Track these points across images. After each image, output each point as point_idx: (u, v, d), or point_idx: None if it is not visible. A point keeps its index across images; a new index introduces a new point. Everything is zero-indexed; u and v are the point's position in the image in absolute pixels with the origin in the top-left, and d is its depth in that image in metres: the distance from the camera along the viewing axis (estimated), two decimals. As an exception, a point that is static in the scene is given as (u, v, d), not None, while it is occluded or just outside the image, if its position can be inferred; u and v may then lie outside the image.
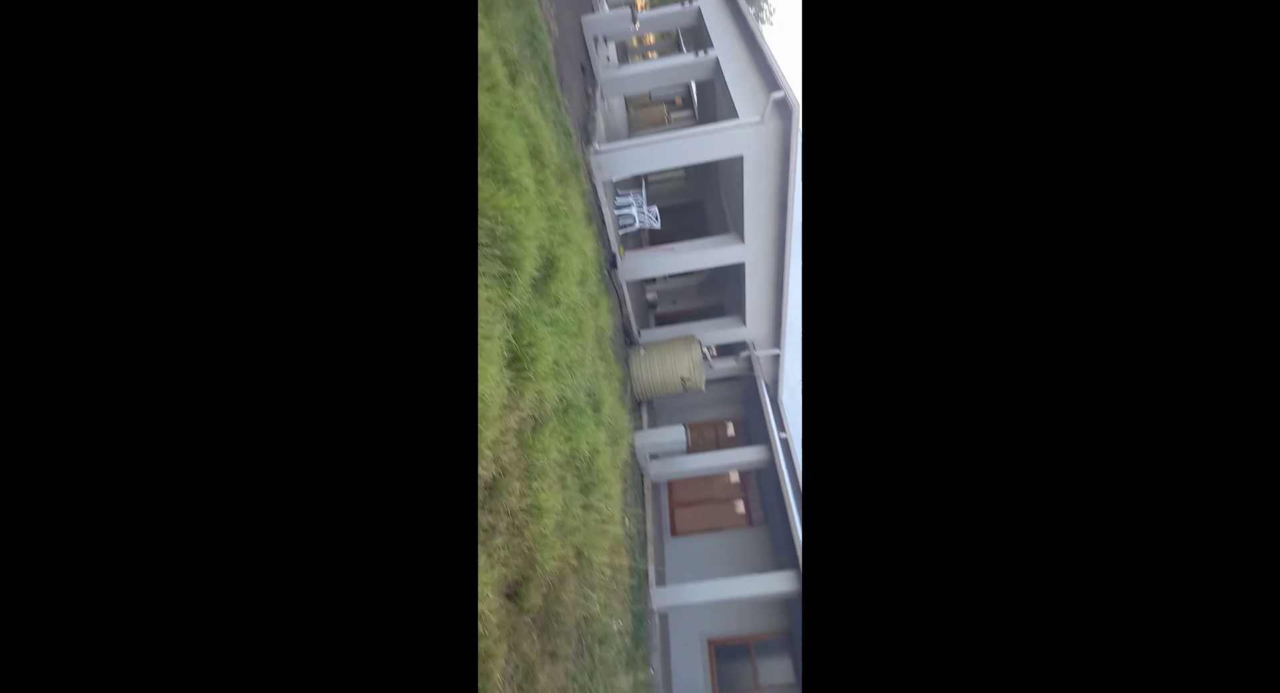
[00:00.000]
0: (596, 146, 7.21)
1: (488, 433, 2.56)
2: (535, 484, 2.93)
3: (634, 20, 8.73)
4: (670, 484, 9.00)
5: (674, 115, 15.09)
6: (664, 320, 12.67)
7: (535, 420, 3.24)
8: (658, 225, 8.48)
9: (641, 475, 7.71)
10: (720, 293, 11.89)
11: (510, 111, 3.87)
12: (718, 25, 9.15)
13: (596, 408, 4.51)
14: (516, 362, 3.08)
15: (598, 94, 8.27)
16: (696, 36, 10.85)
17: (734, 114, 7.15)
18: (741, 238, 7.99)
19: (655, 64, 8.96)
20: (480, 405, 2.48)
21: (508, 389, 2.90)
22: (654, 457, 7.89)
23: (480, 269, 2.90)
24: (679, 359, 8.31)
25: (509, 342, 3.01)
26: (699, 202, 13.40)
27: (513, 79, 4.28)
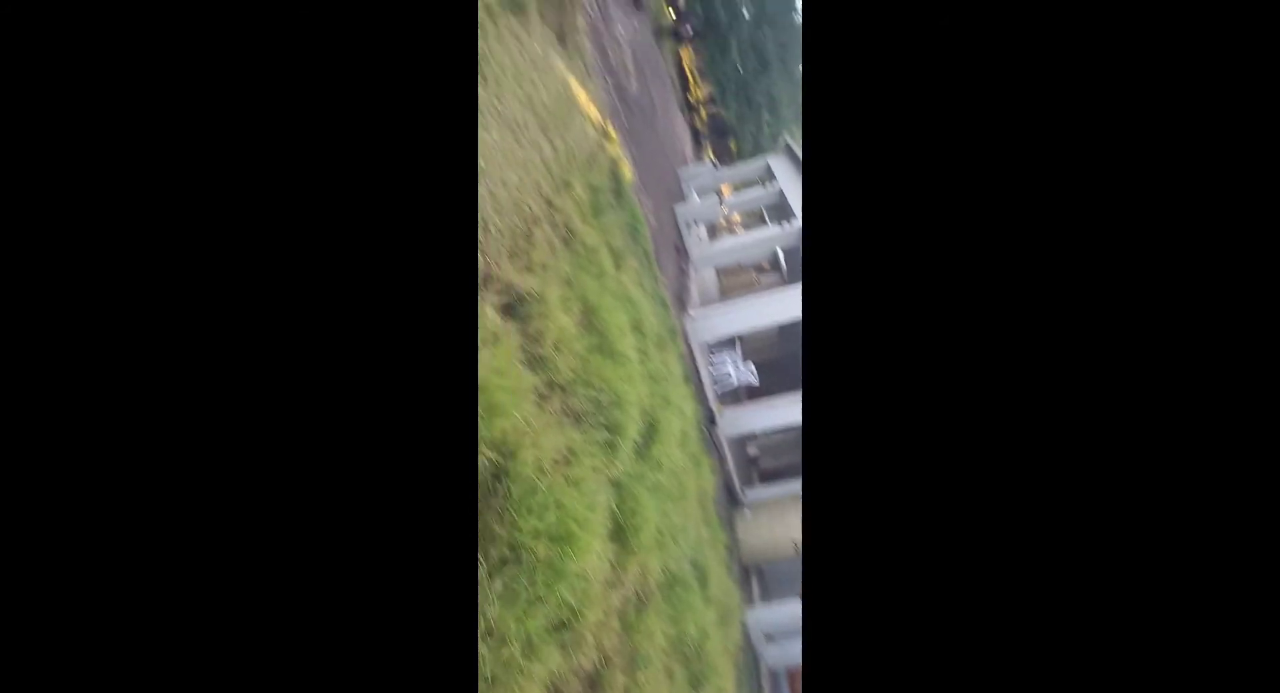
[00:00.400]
0: (691, 313, 7.66)
1: (590, 615, 2.42)
2: (640, 675, 2.65)
3: (721, 204, 9.77)
4: (790, 673, 7.77)
5: (762, 278, 15.89)
6: (768, 477, 12.03)
7: (639, 598, 3.04)
8: (755, 381, 8.51)
9: (756, 660, 6.76)
10: (826, 448, 11.23)
11: (615, 293, 4.28)
12: (798, 198, 9.98)
13: (703, 581, 4.18)
14: (620, 533, 3.00)
15: (690, 268, 9.01)
16: (780, 210, 11.84)
17: (822, 276, 7.41)
18: (843, 391, 7.75)
19: (742, 239, 9.76)
20: (583, 584, 2.39)
21: (611, 564, 2.79)
22: (770, 638, 6.97)
23: (585, 437, 2.99)
24: (788, 519, 7.70)
25: (612, 511, 2.97)
26: (795, 353, 13.43)
27: (617, 265, 4.79)
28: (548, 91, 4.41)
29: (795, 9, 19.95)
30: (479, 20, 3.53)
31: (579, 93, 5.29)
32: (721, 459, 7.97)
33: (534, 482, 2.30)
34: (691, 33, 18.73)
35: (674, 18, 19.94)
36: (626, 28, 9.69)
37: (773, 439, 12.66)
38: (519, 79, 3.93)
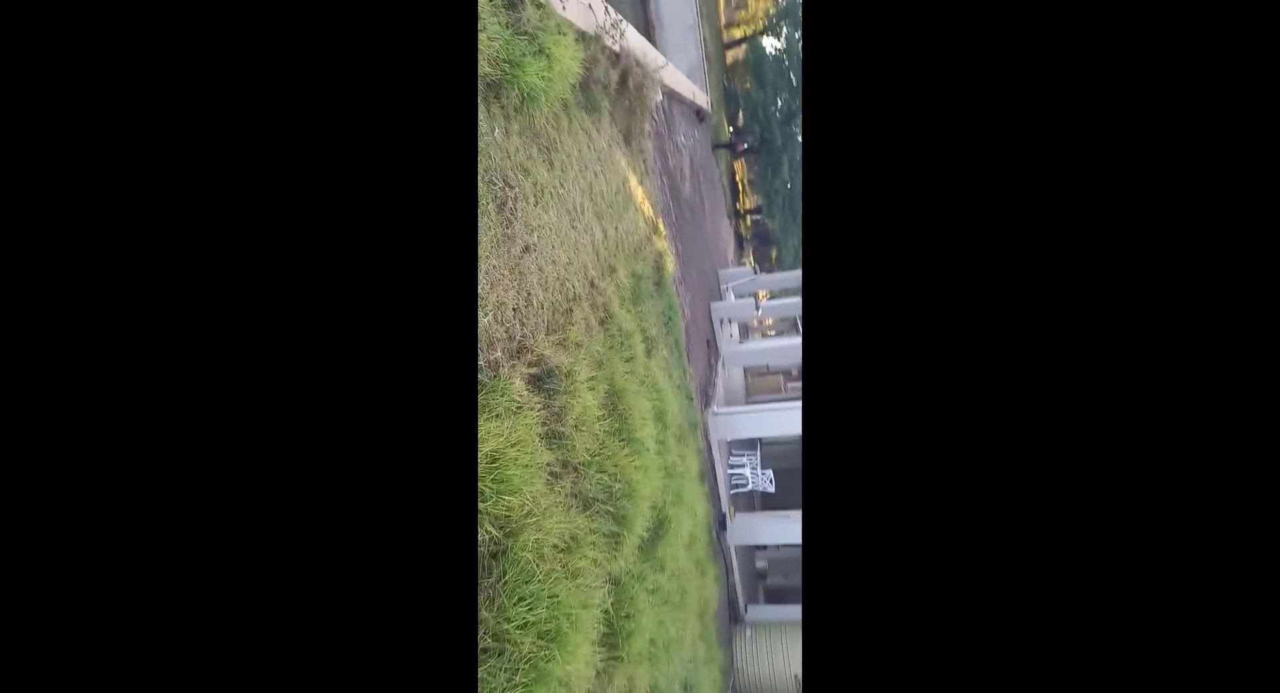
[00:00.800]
0: (715, 409, 7.55)
1: (565, 732, 2.17)
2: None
3: (757, 308, 9.92)
4: None
5: (789, 385, 15.76)
6: (775, 596, 11.21)
7: (620, 718, 2.73)
8: (772, 489, 8.17)
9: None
10: (839, 573, 10.52)
11: (643, 380, 4.25)
12: (834, 314, 10.10)
13: (692, 707, 3.77)
14: (611, 637, 2.76)
15: (719, 364, 9.01)
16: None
17: (852, 390, 7.30)
18: (863, 514, 7.36)
19: (774, 342, 9.80)
20: (563, 691, 2.17)
21: (597, 671, 2.54)
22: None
23: (591, 525, 2.84)
24: (790, 648, 7.04)
25: (606, 612, 2.75)
26: (814, 469, 12.95)
27: (649, 352, 4.81)
28: (608, 183, 4.67)
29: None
30: (557, 115, 3.84)
31: (636, 188, 5.60)
32: (728, 569, 7.49)
33: (531, 568, 2.16)
34: (746, 149, 20.10)
35: (732, 134, 21.49)
36: (687, 137, 10.43)
37: (782, 554, 11.94)
38: (583, 169, 4.18)
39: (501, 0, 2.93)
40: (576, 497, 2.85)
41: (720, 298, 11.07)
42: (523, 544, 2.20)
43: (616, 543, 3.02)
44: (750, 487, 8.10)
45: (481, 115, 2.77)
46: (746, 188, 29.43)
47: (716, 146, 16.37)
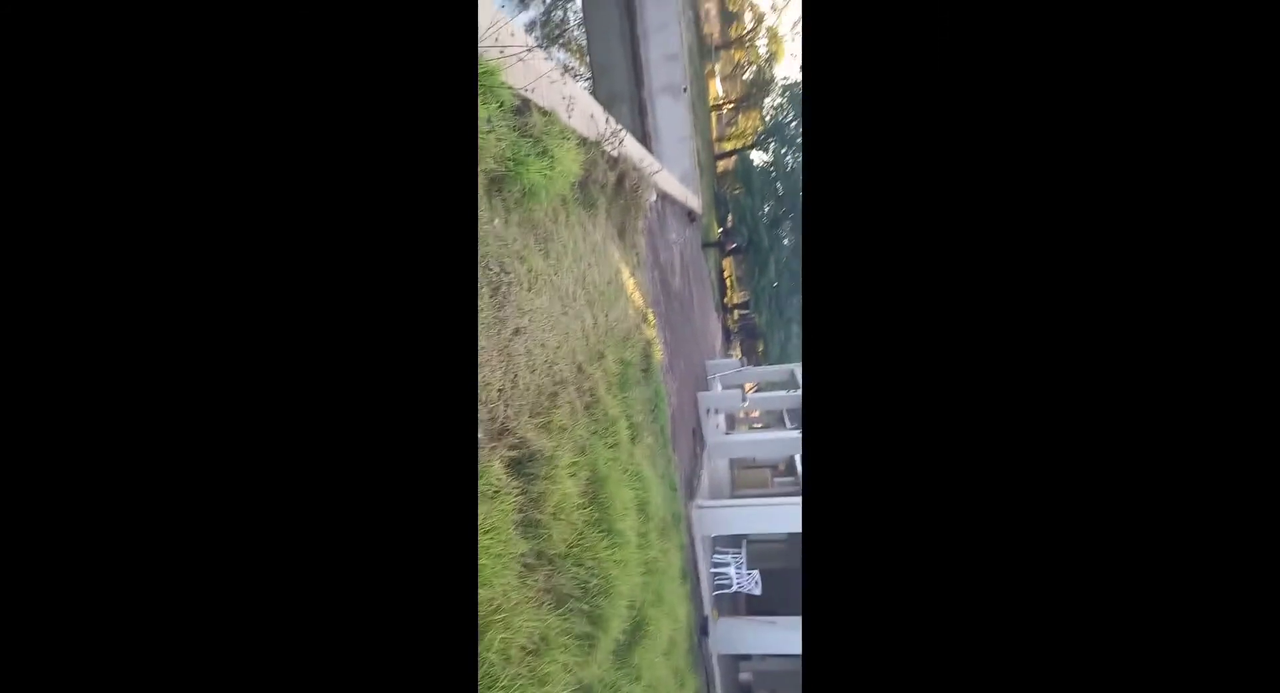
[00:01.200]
0: (699, 501, 7.32)
1: None
2: None
3: (744, 400, 9.95)
4: None
5: (777, 480, 15.44)
6: (759, 717, 10.25)
7: None
8: (758, 591, 7.74)
9: None
10: (830, 690, 9.73)
11: (626, 467, 4.15)
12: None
13: None
14: (577, 759, 2.48)
15: (705, 455, 8.86)
16: (800, 417, 11.95)
17: (839, 487, 7.16)
18: (854, 623, 6.95)
19: (761, 435, 9.74)
20: None
21: (558, 802, 2.26)
22: None
23: (563, 627, 2.65)
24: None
25: (575, 727, 2.49)
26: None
27: (633, 440, 4.74)
28: (600, 274, 4.84)
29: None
30: (556, 210, 4.05)
31: (628, 279, 5.80)
32: (709, 681, 6.90)
33: (496, 672, 1.98)
34: (735, 248, 21.20)
35: (721, 234, 22.71)
36: (679, 235, 10.98)
37: (769, 666, 11.07)
38: (577, 259, 4.35)
39: (510, 106, 3.19)
40: (550, 592, 2.67)
41: (707, 388, 11.11)
42: (488, 644, 2.03)
43: (590, 646, 2.79)
44: (735, 588, 7.67)
45: (483, 206, 2.90)
46: (734, 284, 30.59)
47: (706, 245, 17.21)
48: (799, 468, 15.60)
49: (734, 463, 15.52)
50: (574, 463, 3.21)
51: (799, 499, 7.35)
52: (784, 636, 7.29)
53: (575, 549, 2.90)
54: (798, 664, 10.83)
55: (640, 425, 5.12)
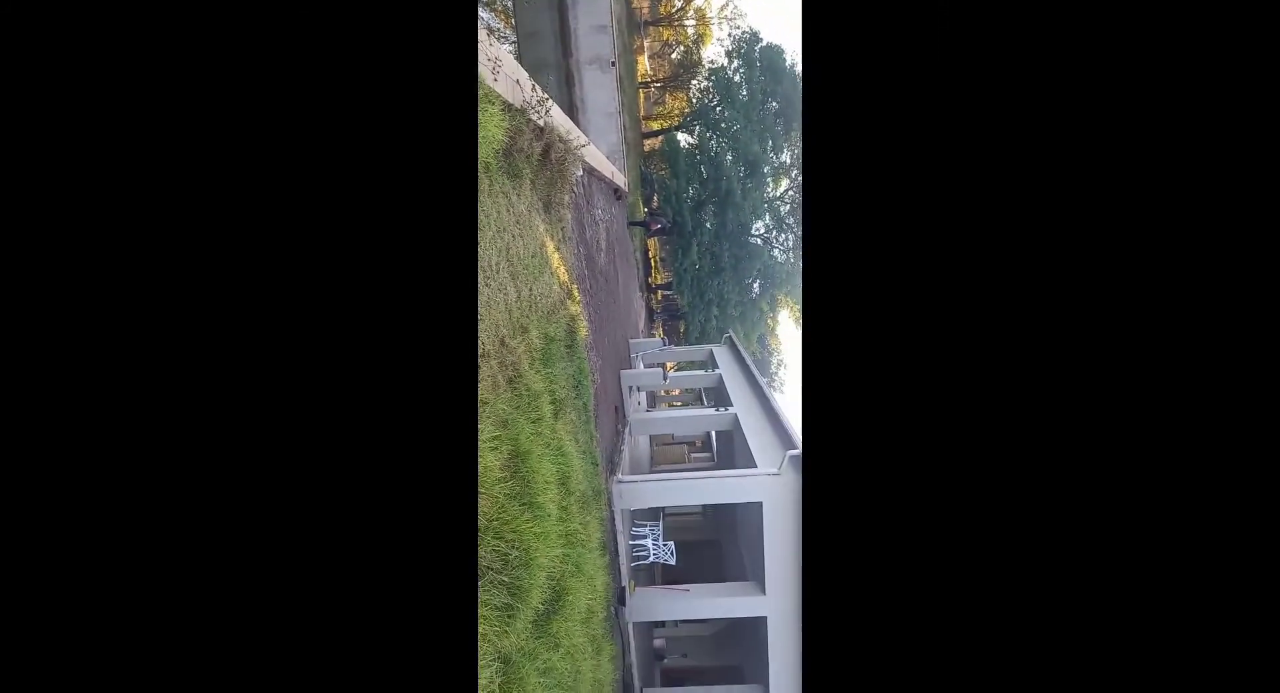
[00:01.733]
0: (620, 476, 7.45)
1: None
2: None
3: (665, 379, 10.17)
4: None
5: (694, 456, 15.98)
6: (672, 678, 10.72)
7: None
8: (673, 561, 8.03)
9: None
10: (739, 650, 10.35)
11: (548, 442, 4.14)
12: (736, 388, 10.50)
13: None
14: (496, 725, 2.49)
15: (626, 431, 9.00)
16: (718, 395, 12.37)
17: (752, 463, 7.53)
18: (763, 589, 7.40)
19: (681, 413, 9.99)
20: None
21: (477, 766, 2.26)
22: None
23: (483, 596, 2.64)
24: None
25: (493, 694, 2.50)
26: (716, 540, 12.99)
27: (556, 415, 4.73)
28: (525, 246, 4.73)
29: (751, 234, 23.25)
30: (479, 177, 3.90)
31: (553, 254, 5.72)
32: (625, 648, 7.12)
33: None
34: (659, 229, 21.32)
35: (646, 214, 22.77)
36: (605, 212, 10.91)
37: (681, 631, 11.58)
38: (501, 230, 4.22)
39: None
40: (469, 565, 2.64)
41: (630, 366, 11.24)
42: (404, 617, 1.98)
43: (509, 616, 2.80)
44: (651, 558, 7.92)
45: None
46: (658, 265, 30.83)
47: (631, 224, 17.20)
48: (714, 444, 16.20)
49: (654, 439, 15.87)
50: (495, 437, 3.16)
51: (713, 473, 7.65)
52: (696, 603, 7.63)
53: (495, 523, 2.88)
54: (706, 628, 11.40)
55: (563, 401, 5.11)
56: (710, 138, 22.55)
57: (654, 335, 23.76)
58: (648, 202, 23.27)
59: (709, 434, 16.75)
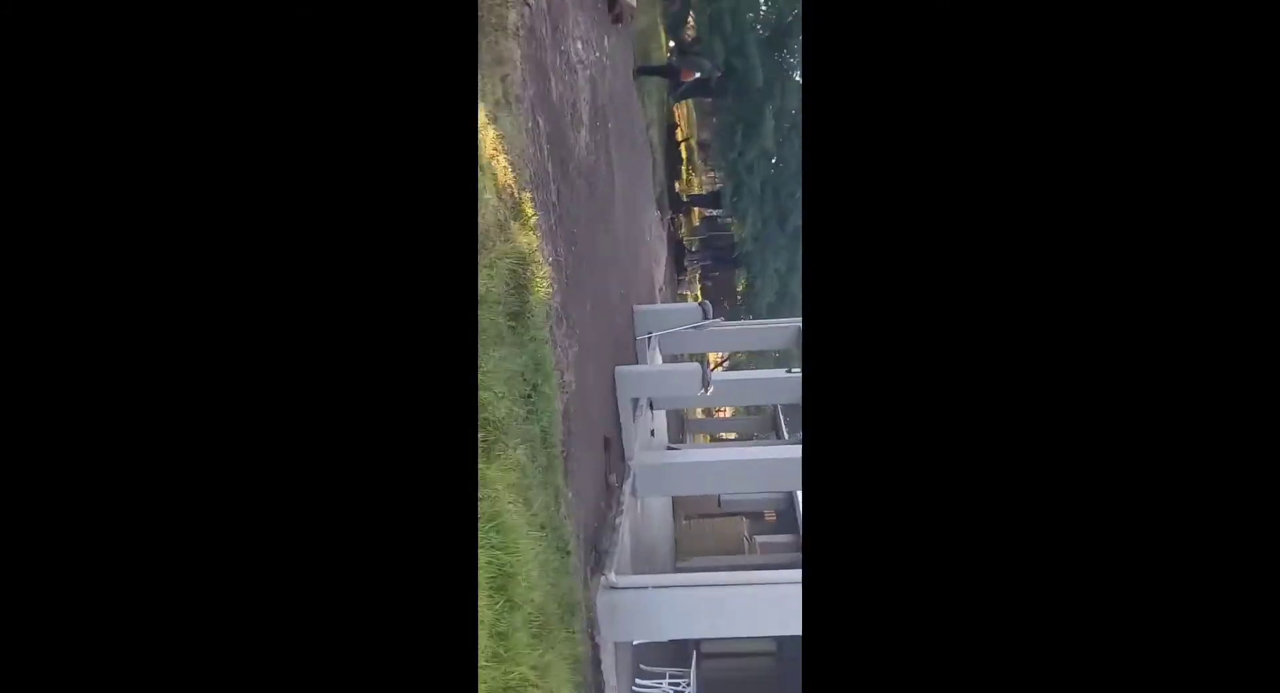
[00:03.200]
0: (612, 577, 7.51)
1: None
2: None
3: (705, 384, 10.16)
4: None
5: (761, 538, 16.09)
6: None
7: None
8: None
9: None
10: None
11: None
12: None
13: None
14: None
15: (627, 486, 9.05)
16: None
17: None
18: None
19: (735, 453, 10.00)
20: None
21: None
22: None
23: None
24: None
25: None
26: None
27: (489, 452, 4.76)
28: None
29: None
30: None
31: (486, 130, 5.72)
32: None
33: None
34: (697, 81, 20.97)
35: (672, 51, 22.54)
36: (590, 46, 10.89)
37: None
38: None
39: None
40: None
41: (635, 359, 11.26)
42: None
43: None
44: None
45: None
46: (694, 156, 30.54)
47: (643, 71, 17.16)
48: (799, 515, 16.11)
49: (679, 506, 15.94)
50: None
51: (798, 581, 7.65)
52: None
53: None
54: None
55: (503, 424, 5.15)
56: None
57: (684, 296, 23.73)
58: (676, 29, 23.16)
59: (791, 496, 16.83)
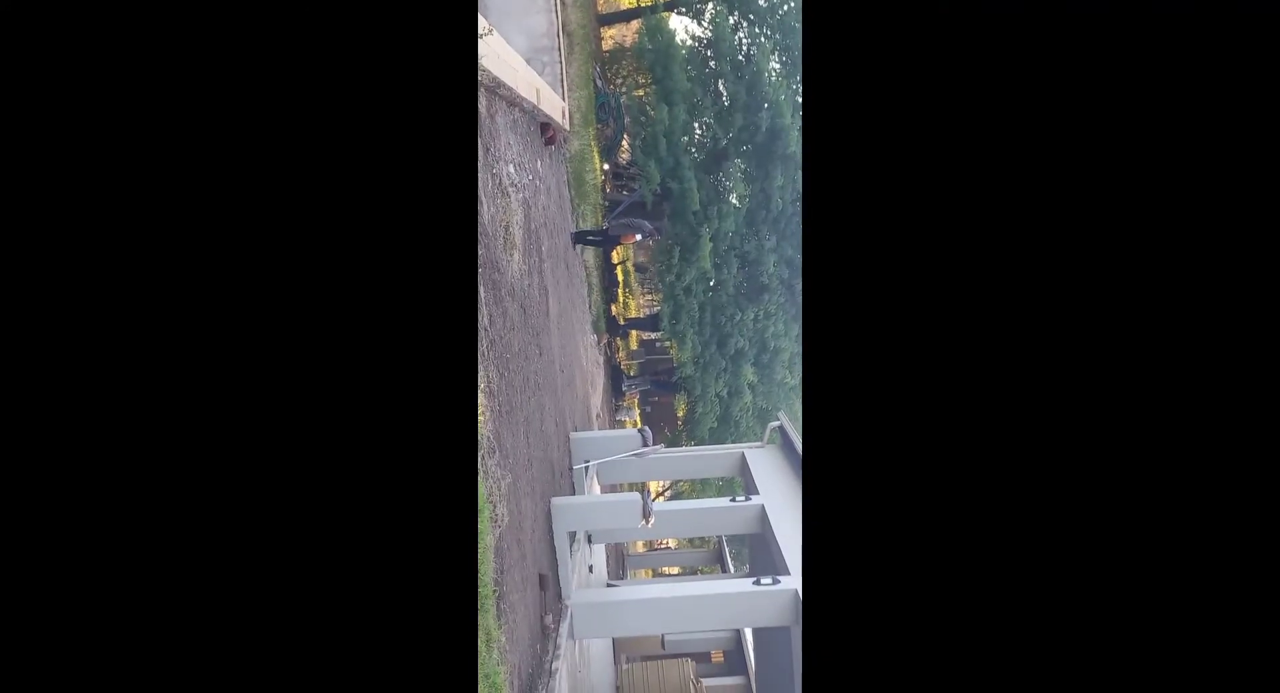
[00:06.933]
0: (550, 730, 7.27)
1: None
2: None
3: (646, 514, 10.08)
4: None
5: (709, 683, 15.74)
6: None
7: None
8: None
9: None
10: None
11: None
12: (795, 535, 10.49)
13: None
14: None
15: (564, 627, 8.86)
16: (759, 550, 12.29)
17: None
18: None
19: (682, 587, 9.86)
20: None
21: None
22: None
23: None
24: None
25: None
26: None
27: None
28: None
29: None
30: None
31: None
32: None
33: None
34: (631, 202, 21.42)
35: (606, 173, 22.96)
36: (523, 170, 11.14)
37: None
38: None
39: None
40: None
41: (571, 490, 11.16)
42: None
43: None
44: None
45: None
46: (632, 276, 30.94)
47: (579, 238, 17.43)
48: (750, 654, 15.83)
49: (619, 648, 15.55)
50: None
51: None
52: None
53: None
54: None
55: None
56: (735, 23, 23.35)
57: (623, 423, 23.71)
58: (610, 151, 23.74)
59: (738, 636, 16.55)
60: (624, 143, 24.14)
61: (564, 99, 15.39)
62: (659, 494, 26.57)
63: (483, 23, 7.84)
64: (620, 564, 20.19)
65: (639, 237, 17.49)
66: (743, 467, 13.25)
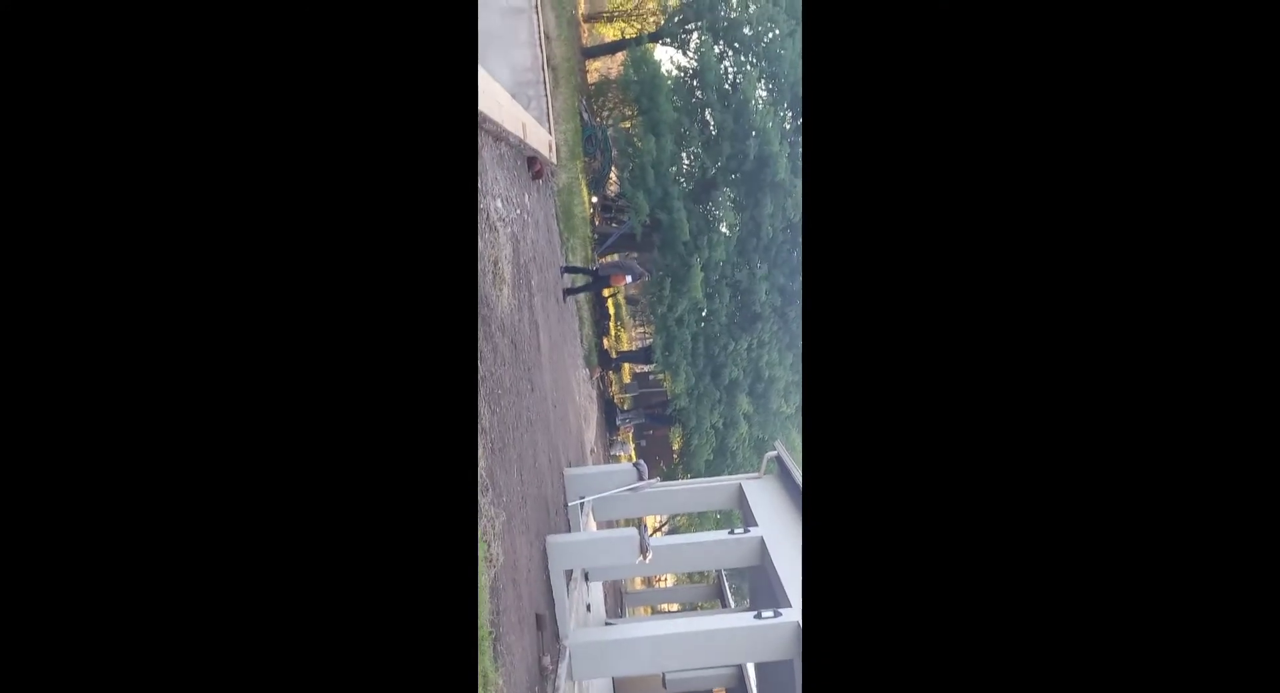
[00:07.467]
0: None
1: None
2: None
3: (643, 550, 10.00)
4: None
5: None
6: None
7: None
8: None
9: None
10: None
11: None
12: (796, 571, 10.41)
13: None
14: None
15: (562, 668, 8.76)
16: (759, 583, 12.20)
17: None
18: None
19: (676, 625, 9.78)
20: None
21: None
22: None
23: None
24: None
25: None
26: None
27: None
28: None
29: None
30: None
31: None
32: None
33: None
34: (621, 235, 21.47)
35: (595, 207, 23.06)
36: (510, 205, 11.14)
37: None
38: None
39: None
40: None
41: (568, 527, 11.09)
42: None
43: None
44: None
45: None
46: (624, 308, 31.00)
47: (570, 292, 17.48)
48: (751, 688, 15.69)
49: (621, 687, 15.42)
50: None
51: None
52: None
53: None
54: None
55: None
56: (720, 53, 23.51)
57: (618, 457, 23.66)
58: (598, 184, 23.83)
59: (741, 672, 16.42)
60: (612, 175, 24.22)
61: (550, 132, 15.43)
62: (656, 529, 26.44)
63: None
64: (618, 602, 20.04)
65: (629, 279, 17.41)
66: (740, 499, 13.19)
